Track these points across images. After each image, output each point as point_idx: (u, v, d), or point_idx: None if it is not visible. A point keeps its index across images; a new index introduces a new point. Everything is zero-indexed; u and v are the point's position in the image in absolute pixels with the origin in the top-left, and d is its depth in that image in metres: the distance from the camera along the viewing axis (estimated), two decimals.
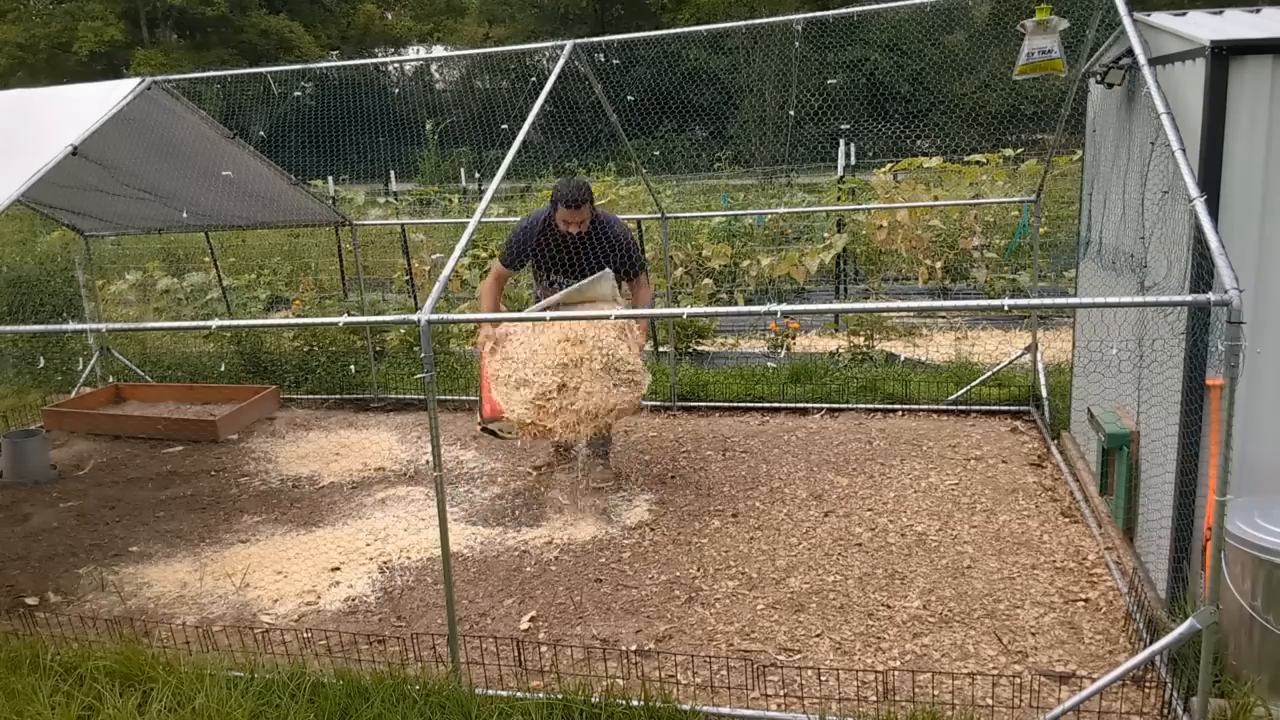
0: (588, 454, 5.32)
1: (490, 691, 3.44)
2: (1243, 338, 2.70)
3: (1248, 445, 3.40)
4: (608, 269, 4.96)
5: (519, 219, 5.42)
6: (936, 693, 3.36)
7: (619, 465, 5.69)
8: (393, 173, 16.89)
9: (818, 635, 3.80)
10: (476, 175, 17.18)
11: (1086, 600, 3.95)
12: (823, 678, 3.50)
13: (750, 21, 5.76)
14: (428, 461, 6.06)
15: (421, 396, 7.40)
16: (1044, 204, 6.88)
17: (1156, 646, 3.07)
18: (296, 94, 6.48)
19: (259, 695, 3.45)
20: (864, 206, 10.08)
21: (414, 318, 3.45)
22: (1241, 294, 2.68)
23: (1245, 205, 3.33)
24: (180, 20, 38.88)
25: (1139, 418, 4.07)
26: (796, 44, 5.77)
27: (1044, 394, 6.23)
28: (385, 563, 4.67)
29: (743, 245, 10.40)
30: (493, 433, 5.22)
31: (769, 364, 7.78)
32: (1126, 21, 4.00)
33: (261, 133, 6.59)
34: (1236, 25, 3.56)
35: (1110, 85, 4.43)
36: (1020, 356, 6.73)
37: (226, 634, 4.04)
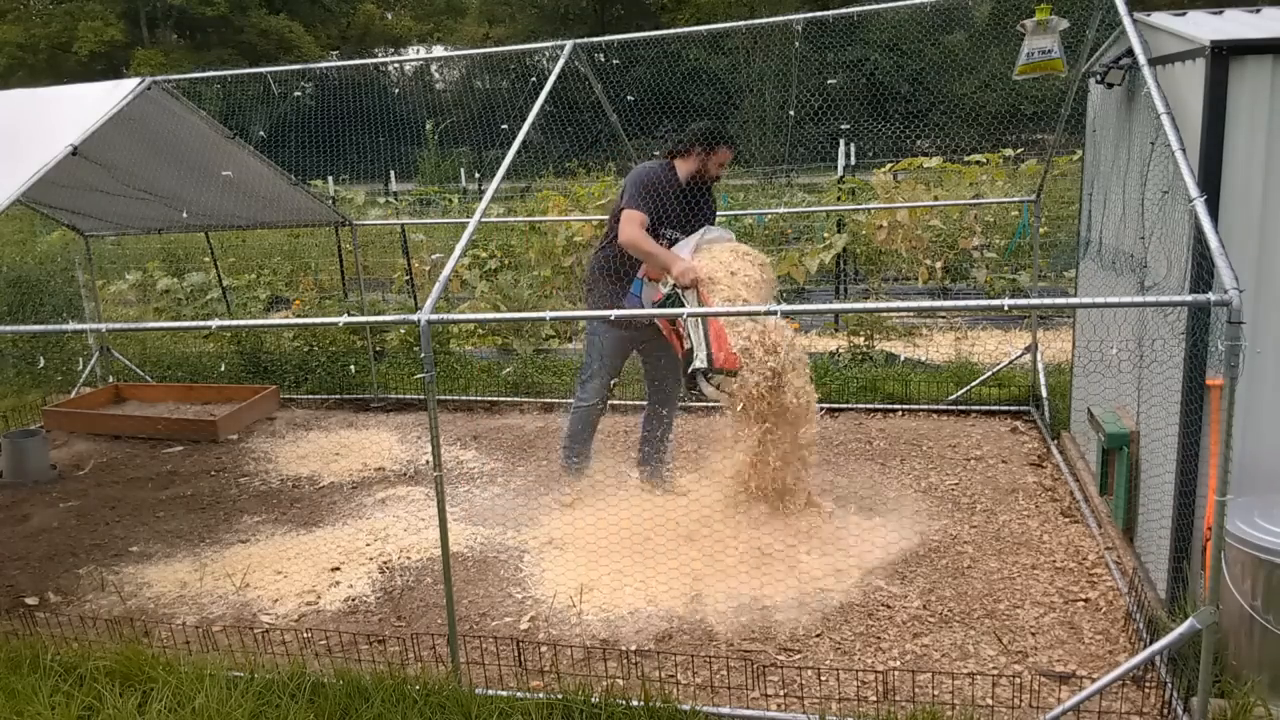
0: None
1: (490, 691, 3.44)
2: (1243, 338, 2.70)
3: (1248, 445, 3.40)
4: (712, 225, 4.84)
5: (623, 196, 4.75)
6: (936, 693, 3.36)
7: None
8: (393, 173, 16.89)
9: (818, 635, 3.80)
10: (476, 175, 17.18)
11: (1086, 600, 3.95)
12: (823, 678, 3.50)
13: (750, 21, 5.76)
14: (428, 461, 6.06)
15: (421, 396, 7.40)
16: (1044, 204, 6.88)
17: (1156, 646, 3.07)
18: (296, 94, 6.49)
19: (259, 695, 3.45)
20: (864, 206, 10.08)
21: (414, 318, 3.45)
22: (1241, 294, 2.69)
23: (1245, 205, 3.33)
24: (180, 20, 38.92)
25: (1139, 418, 4.07)
26: (796, 44, 5.78)
27: (1044, 394, 6.23)
28: (385, 563, 4.67)
29: None
30: (697, 385, 4.42)
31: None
32: (1126, 21, 4.00)
33: (261, 133, 6.59)
34: (1236, 25, 3.56)
35: (1110, 85, 4.43)
36: (1020, 356, 6.73)
37: (226, 634, 4.04)
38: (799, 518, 4.65)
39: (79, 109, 5.18)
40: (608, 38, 5.56)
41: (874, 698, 3.35)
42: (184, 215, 7.09)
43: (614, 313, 3.90)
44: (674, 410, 5.18)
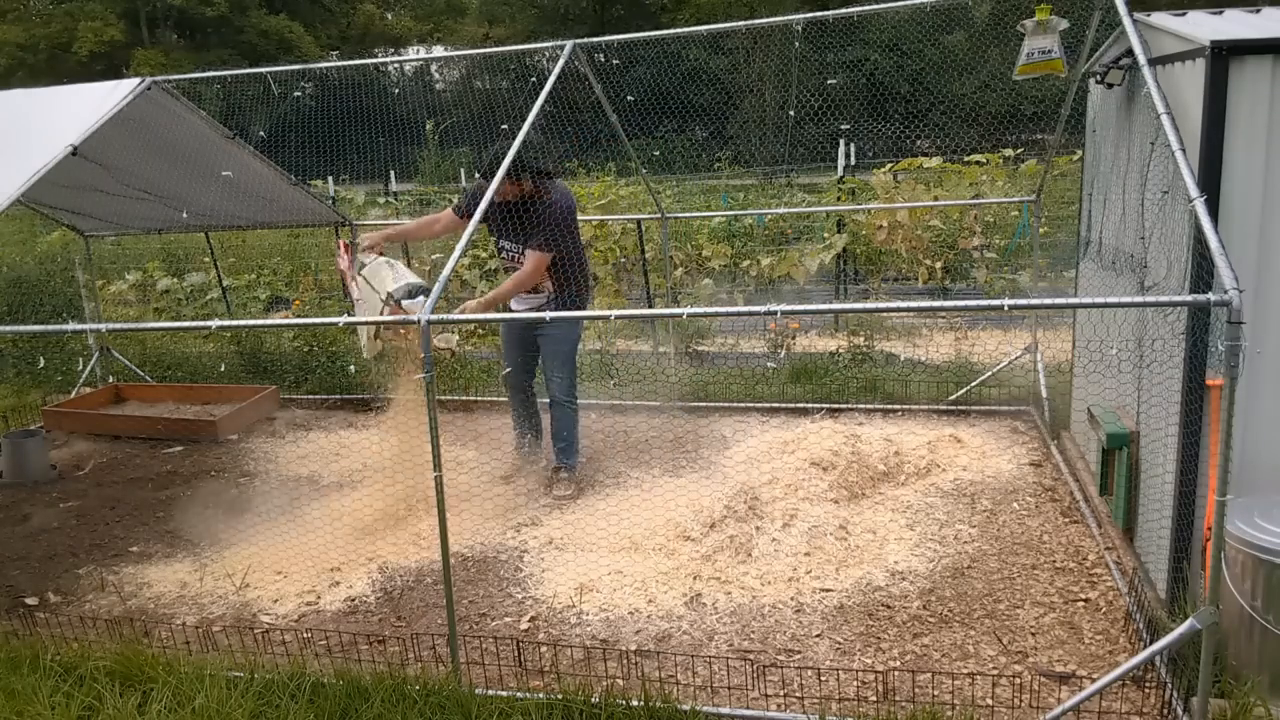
0: (551, 463, 5.48)
1: (490, 691, 3.44)
2: (1243, 338, 2.70)
3: (1248, 445, 3.40)
4: (380, 263, 5.36)
5: None
6: (936, 693, 3.36)
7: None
8: (393, 173, 16.87)
9: (818, 635, 3.80)
10: (476, 175, 17.13)
11: (1086, 600, 3.95)
12: (823, 678, 3.50)
13: (750, 22, 5.76)
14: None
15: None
16: (1044, 204, 6.88)
17: (1156, 647, 3.07)
18: (296, 94, 6.48)
19: (259, 695, 3.45)
20: (864, 206, 10.07)
21: (414, 318, 3.45)
22: (1241, 294, 2.69)
23: (1245, 205, 3.33)
24: (180, 20, 38.93)
25: (1139, 418, 4.07)
26: (796, 44, 5.78)
27: (1044, 394, 6.23)
28: (385, 563, 4.67)
29: (743, 245, 10.39)
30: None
31: (769, 364, 7.78)
32: (1126, 21, 4.00)
33: (261, 133, 6.59)
34: (1236, 25, 3.56)
35: (1110, 85, 4.43)
36: (1020, 356, 6.73)
37: (226, 634, 4.04)
38: (797, 520, 4.70)
39: (79, 109, 5.18)
40: (608, 38, 5.55)
41: (874, 698, 3.35)
42: (184, 215, 7.09)
43: (613, 314, 3.90)
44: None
